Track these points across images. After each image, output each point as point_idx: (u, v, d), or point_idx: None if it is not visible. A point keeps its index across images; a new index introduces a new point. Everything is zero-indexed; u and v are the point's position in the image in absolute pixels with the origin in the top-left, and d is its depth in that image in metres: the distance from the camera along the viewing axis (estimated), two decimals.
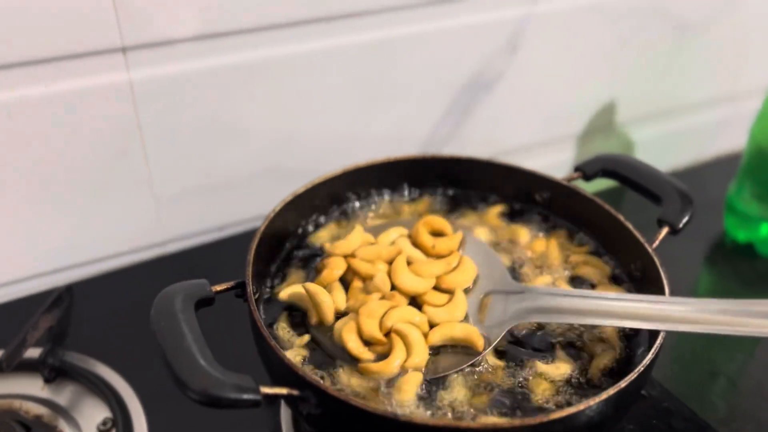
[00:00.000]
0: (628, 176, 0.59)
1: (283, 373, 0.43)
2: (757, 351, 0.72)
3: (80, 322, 0.65)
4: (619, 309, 0.47)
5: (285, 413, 0.59)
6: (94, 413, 0.59)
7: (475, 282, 0.52)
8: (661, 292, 0.49)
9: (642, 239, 0.53)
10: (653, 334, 0.47)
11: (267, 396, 0.40)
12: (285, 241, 0.59)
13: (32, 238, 0.69)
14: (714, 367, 0.69)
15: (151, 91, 0.67)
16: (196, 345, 0.42)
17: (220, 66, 0.69)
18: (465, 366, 0.46)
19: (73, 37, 0.62)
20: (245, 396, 0.39)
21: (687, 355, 0.71)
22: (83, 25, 0.61)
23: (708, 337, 0.74)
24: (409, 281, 0.51)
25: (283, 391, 0.42)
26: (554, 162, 0.99)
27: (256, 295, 0.50)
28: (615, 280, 0.56)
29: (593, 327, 0.50)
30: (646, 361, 0.43)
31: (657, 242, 0.54)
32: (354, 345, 0.47)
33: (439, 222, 0.56)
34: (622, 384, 0.41)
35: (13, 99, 0.62)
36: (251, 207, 0.79)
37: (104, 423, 0.57)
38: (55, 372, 0.61)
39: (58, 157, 0.66)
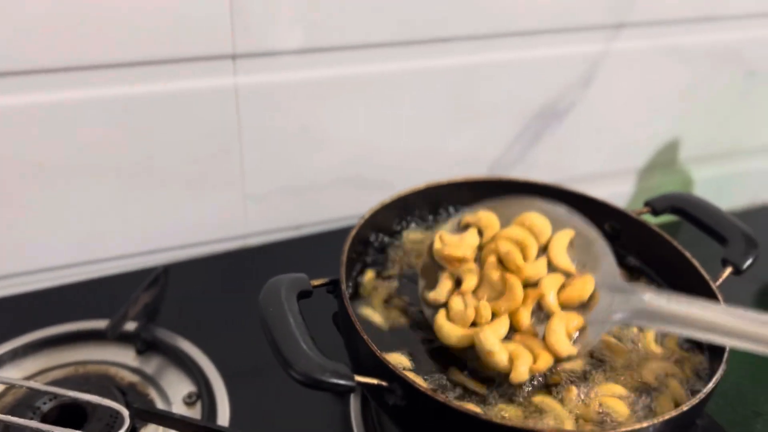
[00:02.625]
0: (696, 215, 0.63)
1: (374, 365, 0.48)
2: None
3: (169, 302, 0.71)
4: (731, 325, 0.44)
5: (354, 405, 0.63)
6: (179, 386, 0.64)
7: (583, 267, 0.53)
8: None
9: (707, 276, 0.56)
10: (714, 359, 0.50)
11: (360, 384, 0.45)
12: (368, 246, 0.63)
13: (134, 220, 0.75)
14: (758, 407, 0.72)
15: (253, 97, 0.73)
16: (299, 331, 0.47)
17: (316, 78, 0.74)
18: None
19: (190, 41, 0.68)
20: (342, 381, 0.44)
21: (732, 392, 0.73)
22: (200, 31, 0.67)
23: (753, 375, 0.76)
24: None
25: (374, 381, 0.46)
26: (614, 193, 1.02)
27: (349, 291, 0.55)
28: None
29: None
30: (711, 385, 0.46)
31: (720, 280, 0.57)
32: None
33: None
34: (684, 407, 0.45)
35: (130, 94, 0.68)
36: (329, 211, 0.84)
37: (189, 396, 0.63)
38: (146, 345, 0.66)
39: (164, 150, 0.72)
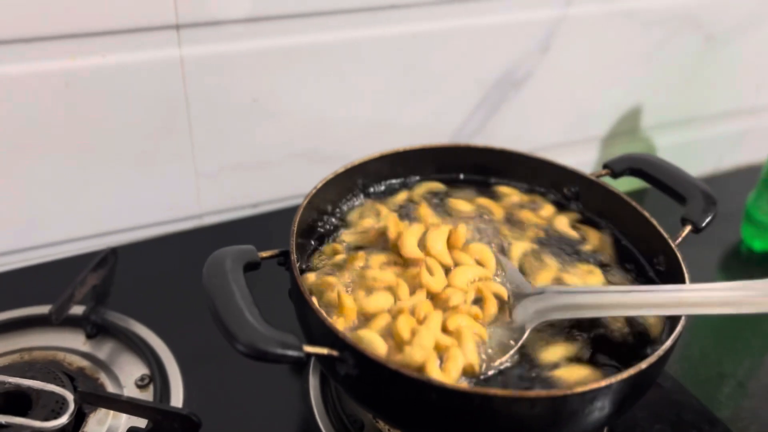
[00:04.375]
0: (655, 175, 0.62)
1: (324, 334, 0.46)
2: (766, 356, 0.74)
3: (121, 284, 0.68)
4: (638, 299, 0.49)
5: (313, 383, 0.62)
6: (132, 369, 0.62)
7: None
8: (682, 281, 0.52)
9: (665, 234, 0.56)
10: (673, 323, 0.49)
11: (309, 354, 0.43)
12: (320, 219, 0.61)
13: (80, 202, 0.72)
14: (722, 369, 0.72)
15: (199, 69, 0.70)
16: (244, 302, 0.45)
17: (266, 48, 0.72)
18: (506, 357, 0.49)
19: (131, 12, 0.65)
20: (289, 352, 0.42)
21: (696, 355, 0.73)
22: (142, 0, 0.64)
23: (717, 338, 0.76)
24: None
25: (324, 351, 0.45)
26: (577, 162, 1.00)
27: (298, 264, 0.53)
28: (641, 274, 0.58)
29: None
30: (668, 343, 0.46)
31: (680, 239, 0.56)
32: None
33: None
34: (643, 365, 0.44)
35: (71, 68, 0.65)
36: (285, 187, 0.82)
37: (142, 379, 0.61)
38: (96, 328, 0.64)
39: (108, 127, 0.69)
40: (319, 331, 0.47)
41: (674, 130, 1.06)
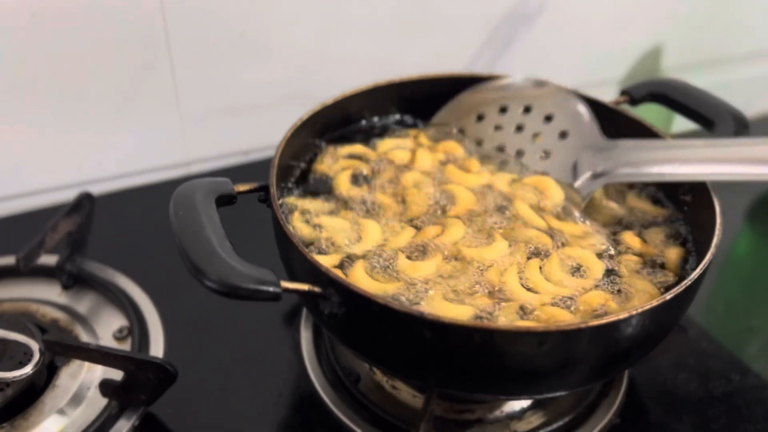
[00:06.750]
0: (679, 99, 0.56)
1: (306, 270, 0.41)
2: None
3: (102, 234, 0.64)
4: (712, 154, 0.46)
5: (305, 332, 0.57)
6: (111, 321, 0.58)
7: (564, 136, 0.53)
8: (712, 214, 0.46)
9: None
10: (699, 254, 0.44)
11: (286, 290, 0.38)
12: (301, 159, 0.56)
13: (55, 149, 0.67)
14: (751, 322, 0.66)
15: (180, 3, 0.64)
16: (215, 235, 0.40)
17: None
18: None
19: None
20: (264, 288, 0.37)
21: (721, 307, 0.68)
22: None
23: (744, 290, 0.71)
24: None
25: (305, 287, 0.40)
26: None
27: (280, 201, 0.48)
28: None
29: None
30: (695, 275, 0.40)
31: None
32: None
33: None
34: (668, 296, 0.39)
35: (38, 1, 0.60)
36: (278, 133, 0.76)
37: (120, 331, 0.56)
38: (73, 279, 0.60)
39: (83, 67, 0.64)
40: (301, 266, 0.42)
41: (697, 72, 0.99)
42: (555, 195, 0.50)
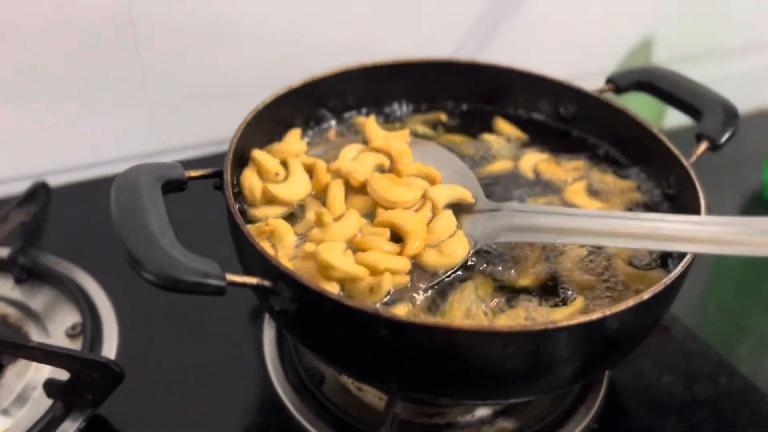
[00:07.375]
0: (665, 88, 0.53)
1: (257, 262, 0.38)
2: None
3: (60, 227, 0.61)
4: (608, 227, 0.41)
5: (269, 331, 0.54)
6: (65, 318, 0.55)
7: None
8: (696, 208, 0.43)
9: (676, 151, 0.47)
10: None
11: (233, 284, 0.35)
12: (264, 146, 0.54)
13: (13, 137, 0.64)
14: (743, 321, 0.63)
15: None
16: (157, 224, 0.37)
17: None
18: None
19: None
20: (207, 281, 0.34)
21: (713, 307, 0.65)
22: None
23: (737, 289, 0.68)
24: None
25: (253, 280, 0.37)
26: None
27: (235, 190, 0.45)
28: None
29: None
30: (675, 273, 0.37)
31: (694, 157, 0.47)
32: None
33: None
34: (646, 295, 0.36)
35: None
36: None
37: (73, 328, 0.53)
38: (27, 273, 0.57)
39: (45, 52, 0.61)
40: (251, 258, 0.39)
41: (689, 66, 0.95)
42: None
